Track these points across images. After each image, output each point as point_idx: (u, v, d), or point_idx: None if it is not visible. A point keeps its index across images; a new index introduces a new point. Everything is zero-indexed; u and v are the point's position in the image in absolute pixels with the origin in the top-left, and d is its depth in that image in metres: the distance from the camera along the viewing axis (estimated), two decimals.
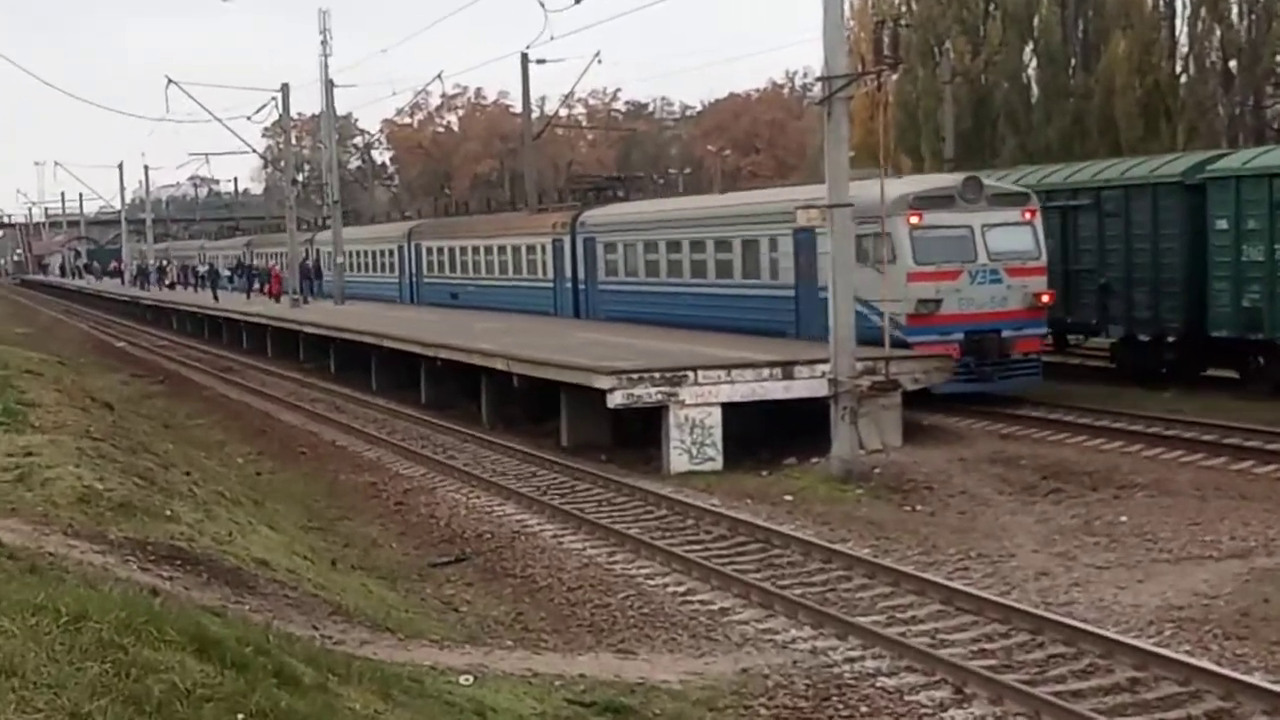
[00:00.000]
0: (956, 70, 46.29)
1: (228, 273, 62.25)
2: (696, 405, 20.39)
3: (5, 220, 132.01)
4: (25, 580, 8.34)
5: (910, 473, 19.02)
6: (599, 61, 54.40)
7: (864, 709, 10.57)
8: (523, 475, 21.12)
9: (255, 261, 60.91)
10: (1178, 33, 46.00)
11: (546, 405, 23.76)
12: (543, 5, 35.38)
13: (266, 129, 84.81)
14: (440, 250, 45.72)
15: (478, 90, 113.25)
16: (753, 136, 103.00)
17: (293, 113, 52.77)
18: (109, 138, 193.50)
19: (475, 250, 42.53)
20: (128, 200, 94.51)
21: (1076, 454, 20.11)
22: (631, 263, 32.30)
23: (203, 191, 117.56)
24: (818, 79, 25.65)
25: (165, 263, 77.17)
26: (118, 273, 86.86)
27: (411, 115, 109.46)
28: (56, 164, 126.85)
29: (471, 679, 9.62)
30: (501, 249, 40.39)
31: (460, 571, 15.64)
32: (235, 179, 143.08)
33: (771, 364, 21.00)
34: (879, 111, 32.96)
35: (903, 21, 38.64)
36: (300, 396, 32.64)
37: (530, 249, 38.31)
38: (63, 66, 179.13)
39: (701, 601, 13.79)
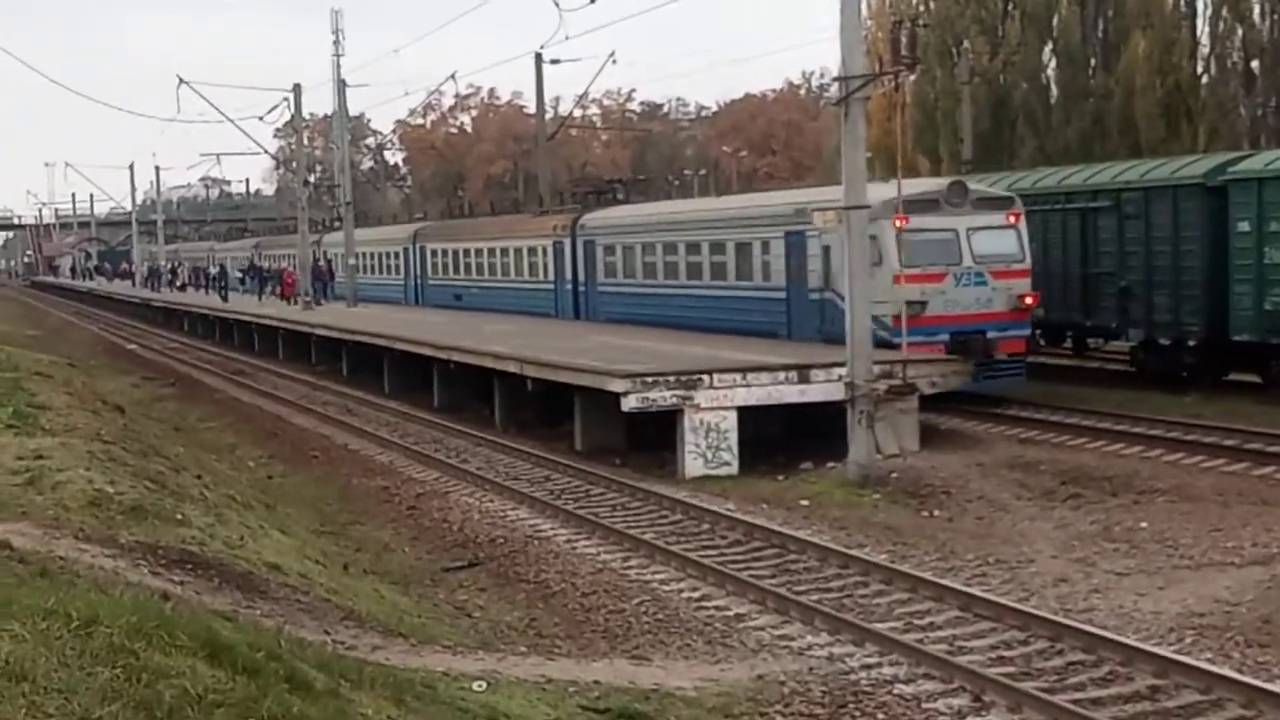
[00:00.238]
0: (975, 70, 46.15)
1: (239, 274, 62.27)
2: (712, 409, 20.28)
3: (15, 221, 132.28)
4: (36, 584, 8.30)
5: (928, 477, 18.91)
6: (614, 62, 54.49)
7: (881, 716, 10.47)
8: (536, 479, 21.03)
9: (264, 263, 60.95)
10: (1199, 32, 45.86)
11: (560, 408, 23.68)
12: (557, 5, 35.44)
13: (278, 129, 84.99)
14: (445, 252, 45.97)
15: (491, 90, 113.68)
16: (769, 137, 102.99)
17: (304, 113, 52.72)
18: (119, 138, 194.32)
19: (479, 252, 42.85)
20: (139, 201, 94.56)
21: (1096, 459, 20.00)
22: (630, 265, 32.47)
23: (214, 192, 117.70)
24: (834, 79, 25.64)
25: (176, 264, 77.23)
26: (128, 274, 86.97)
27: (424, 115, 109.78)
28: (67, 165, 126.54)
29: (484, 685, 9.55)
30: (504, 251, 40.70)
31: (473, 576, 15.56)
32: (247, 180, 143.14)
33: (787, 367, 20.91)
34: (896, 112, 33.06)
35: (920, 21, 38.52)
36: (312, 399, 32.62)
37: (532, 251, 38.61)
38: (67, 64, 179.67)
39: (717, 607, 13.69)
